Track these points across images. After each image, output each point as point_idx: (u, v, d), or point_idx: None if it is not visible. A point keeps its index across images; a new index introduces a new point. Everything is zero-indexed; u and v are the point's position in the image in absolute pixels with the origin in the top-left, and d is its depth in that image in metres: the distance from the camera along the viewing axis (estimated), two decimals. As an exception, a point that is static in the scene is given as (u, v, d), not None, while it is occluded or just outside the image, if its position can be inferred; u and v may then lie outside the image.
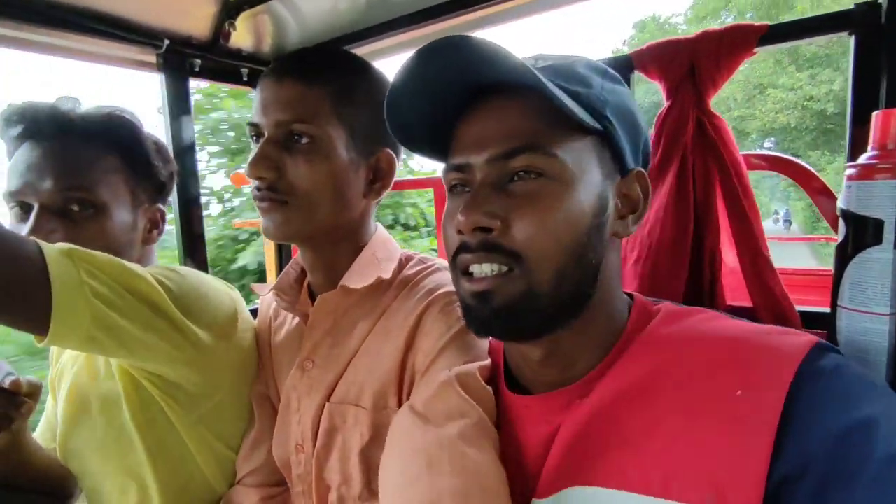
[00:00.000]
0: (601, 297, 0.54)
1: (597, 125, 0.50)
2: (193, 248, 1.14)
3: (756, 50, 0.72)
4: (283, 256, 1.39)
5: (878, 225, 0.58)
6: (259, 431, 0.80)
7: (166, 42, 1.02)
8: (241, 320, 0.82)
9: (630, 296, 0.60)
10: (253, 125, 0.70)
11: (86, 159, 0.77)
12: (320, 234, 0.71)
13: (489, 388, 0.61)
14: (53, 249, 0.59)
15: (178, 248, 1.13)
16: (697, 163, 0.76)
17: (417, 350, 0.66)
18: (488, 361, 0.64)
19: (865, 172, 0.59)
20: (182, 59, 1.07)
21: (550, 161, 0.49)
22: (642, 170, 0.55)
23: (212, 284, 0.80)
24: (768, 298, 0.72)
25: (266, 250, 1.52)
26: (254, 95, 0.70)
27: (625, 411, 0.49)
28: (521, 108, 0.50)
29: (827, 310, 0.74)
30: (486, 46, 0.45)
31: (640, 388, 0.49)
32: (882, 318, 0.57)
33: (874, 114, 0.59)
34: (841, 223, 0.63)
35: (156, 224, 0.88)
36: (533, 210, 0.49)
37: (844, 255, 0.62)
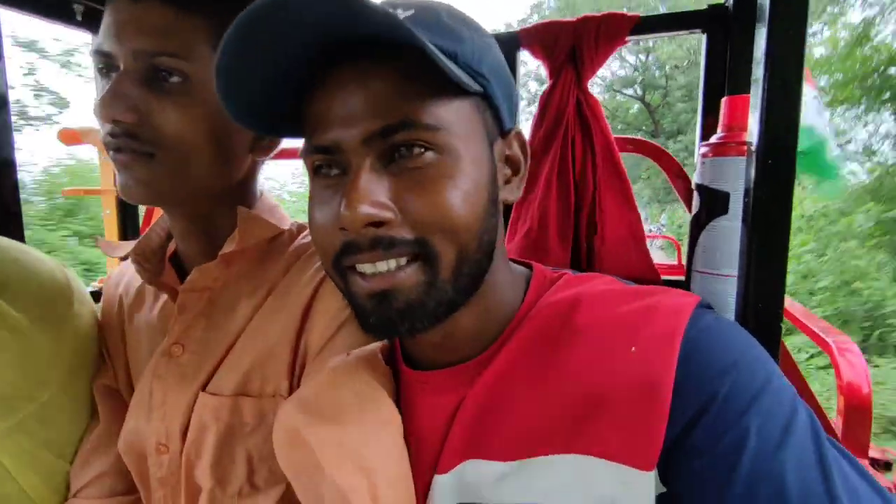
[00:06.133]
0: (495, 270, 0.52)
1: (476, 86, 0.45)
2: (4, 226, 0.91)
3: (627, 39, 0.78)
4: (127, 227, 1.14)
5: (725, 197, 0.66)
6: (104, 432, 0.68)
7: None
8: (76, 302, 0.67)
9: (529, 266, 0.59)
10: (101, 54, 0.55)
11: None
12: (196, 195, 0.60)
13: (389, 370, 0.57)
14: None
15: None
16: (577, 140, 0.80)
17: (312, 328, 0.60)
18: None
19: (716, 150, 0.67)
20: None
21: (435, 133, 0.44)
22: (519, 129, 0.54)
23: (36, 259, 0.65)
24: (642, 268, 0.79)
25: (106, 219, 1.26)
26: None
27: (525, 379, 0.49)
28: (392, 71, 0.43)
29: (679, 277, 0.83)
30: None
31: (540, 355, 0.49)
32: (730, 280, 0.66)
33: (723, 100, 0.68)
34: (696, 196, 0.71)
35: None
36: (426, 189, 0.44)
37: (698, 225, 0.70)
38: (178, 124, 0.56)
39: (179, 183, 0.58)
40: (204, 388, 0.61)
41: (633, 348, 0.45)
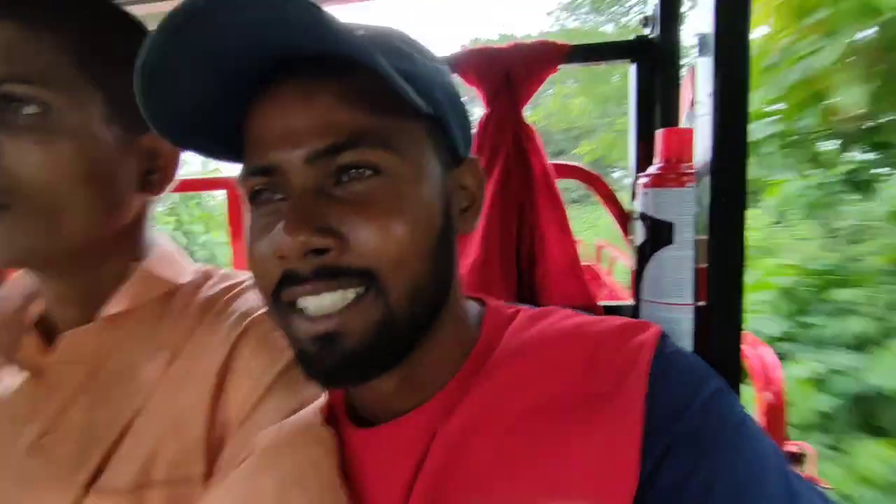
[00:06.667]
0: (451, 304, 0.49)
1: (429, 109, 0.43)
2: None
3: (559, 67, 0.77)
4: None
5: (669, 227, 0.67)
6: None
7: None
8: None
9: (481, 301, 0.57)
10: None
11: None
12: (71, 251, 0.49)
13: (334, 439, 0.50)
14: None
15: None
16: (515, 170, 0.77)
17: (231, 395, 0.51)
18: (324, 397, 0.53)
19: (657, 181, 0.68)
20: None
21: (386, 155, 0.41)
22: (474, 157, 0.52)
23: None
24: (581, 297, 0.78)
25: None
26: None
27: (495, 429, 0.46)
28: (339, 88, 0.40)
29: (626, 302, 0.84)
30: (301, 4, 0.34)
31: (508, 403, 0.46)
32: (680, 308, 0.66)
33: (657, 132, 0.69)
34: (640, 225, 0.71)
35: None
36: (374, 215, 0.40)
37: (644, 255, 0.70)
38: (38, 166, 0.46)
39: (47, 238, 0.47)
40: (89, 486, 0.49)
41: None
